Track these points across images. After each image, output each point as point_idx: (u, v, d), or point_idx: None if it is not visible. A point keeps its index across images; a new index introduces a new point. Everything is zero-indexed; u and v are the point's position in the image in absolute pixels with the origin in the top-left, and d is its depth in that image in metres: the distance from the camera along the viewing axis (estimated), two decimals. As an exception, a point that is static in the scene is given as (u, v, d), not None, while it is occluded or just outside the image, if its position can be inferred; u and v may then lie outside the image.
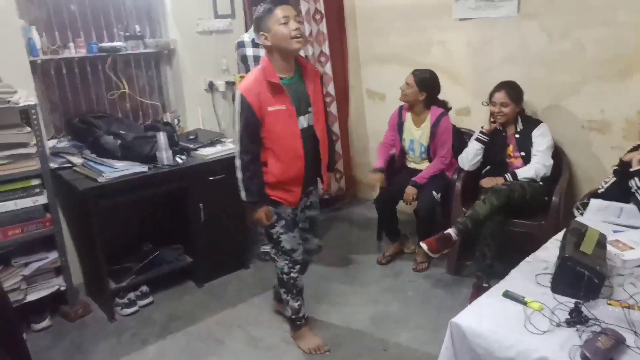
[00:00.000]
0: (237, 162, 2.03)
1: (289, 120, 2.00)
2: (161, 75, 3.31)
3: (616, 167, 2.33)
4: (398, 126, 3.15)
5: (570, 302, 1.33)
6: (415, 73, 3.00)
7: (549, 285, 1.42)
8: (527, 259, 1.60)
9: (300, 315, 2.33)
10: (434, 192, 2.92)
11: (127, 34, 3.04)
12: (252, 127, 1.98)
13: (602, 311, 1.29)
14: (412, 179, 2.96)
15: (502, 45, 3.04)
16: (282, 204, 2.13)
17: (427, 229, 2.87)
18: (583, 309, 1.26)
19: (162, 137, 2.54)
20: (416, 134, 3.09)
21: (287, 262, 2.20)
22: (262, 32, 1.95)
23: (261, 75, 1.97)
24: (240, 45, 2.91)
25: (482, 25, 3.10)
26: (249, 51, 2.89)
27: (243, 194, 2.06)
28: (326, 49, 3.66)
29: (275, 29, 1.91)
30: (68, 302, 2.57)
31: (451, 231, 2.59)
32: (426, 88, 2.99)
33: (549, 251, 1.64)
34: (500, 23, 3.00)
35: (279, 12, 1.90)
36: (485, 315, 1.32)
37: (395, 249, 3.21)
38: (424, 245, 2.53)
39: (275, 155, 2.04)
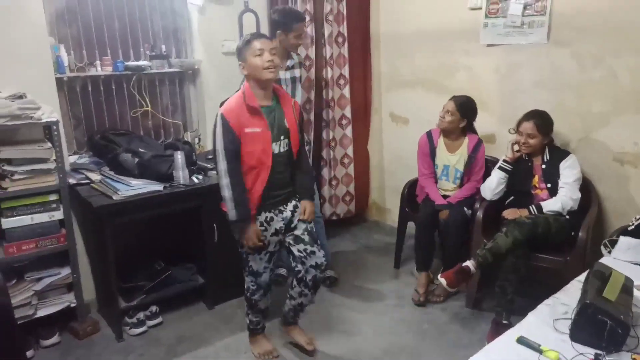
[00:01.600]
0: (225, 181, 2.07)
1: (263, 143, 2.09)
2: (184, 95, 3.34)
3: None
4: (431, 152, 3.09)
5: (590, 352, 1.22)
6: (456, 100, 2.96)
7: (568, 332, 1.32)
8: (546, 301, 1.49)
9: (258, 327, 2.44)
10: (465, 208, 2.89)
11: (153, 53, 3.09)
12: (235, 145, 2.06)
13: (625, 366, 1.18)
14: (447, 201, 2.96)
15: (531, 72, 2.95)
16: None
17: (455, 245, 2.86)
18: (604, 362, 1.15)
19: (179, 156, 2.54)
20: (451, 159, 3.04)
21: (252, 283, 2.28)
22: (240, 62, 2.10)
23: (241, 99, 2.09)
24: None
25: (510, 51, 3.02)
26: (282, 74, 2.84)
27: (233, 213, 2.09)
28: (346, 71, 3.64)
29: (250, 60, 2.05)
30: (78, 319, 2.56)
31: (470, 264, 2.50)
32: (467, 114, 2.97)
33: (570, 294, 1.53)
34: (529, 49, 2.92)
35: (256, 44, 2.05)
36: (497, 362, 1.22)
37: (426, 280, 2.99)
38: (442, 280, 2.45)
39: (245, 174, 2.12)
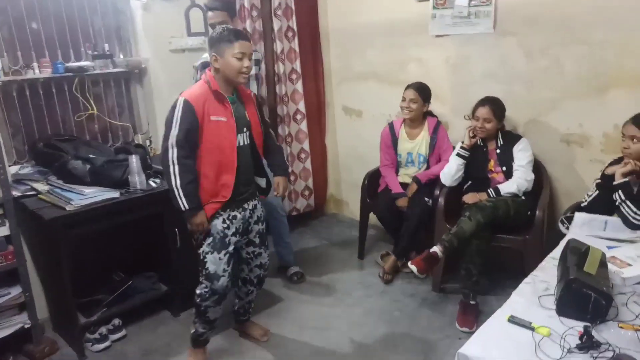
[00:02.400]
0: (175, 168, 1.96)
1: (227, 133, 2.03)
2: (132, 95, 3.18)
3: (598, 181, 2.34)
4: (393, 143, 3.14)
5: (578, 325, 1.27)
6: (414, 86, 3.03)
7: (554, 307, 1.37)
8: (525, 280, 1.54)
9: (201, 339, 2.29)
10: (425, 199, 2.95)
11: (96, 53, 2.91)
12: (192, 133, 1.97)
13: (613, 335, 1.24)
14: (415, 175, 3.03)
15: (481, 61, 3.05)
16: (214, 219, 2.09)
17: (414, 233, 2.94)
18: (594, 333, 1.20)
19: (134, 161, 2.41)
20: (410, 146, 3.11)
21: (206, 288, 2.14)
22: (214, 54, 2.00)
23: (206, 85, 2.02)
24: (205, 65, 2.54)
25: (459, 42, 3.10)
26: None
27: (184, 202, 1.98)
28: (297, 66, 3.62)
29: (228, 59, 1.98)
30: (33, 341, 2.37)
31: (437, 249, 2.55)
32: (427, 98, 3.05)
33: (547, 271, 1.60)
34: (478, 40, 3.01)
35: (238, 46, 1.97)
36: (492, 343, 1.25)
37: (394, 263, 3.08)
38: (412, 267, 2.48)
39: (207, 165, 2.04)
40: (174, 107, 1.98)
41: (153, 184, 2.51)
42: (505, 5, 2.86)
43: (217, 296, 2.14)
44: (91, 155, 2.47)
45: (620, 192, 2.13)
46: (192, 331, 2.27)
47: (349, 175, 4.04)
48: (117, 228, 2.49)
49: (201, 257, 2.13)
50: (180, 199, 1.98)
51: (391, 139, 3.15)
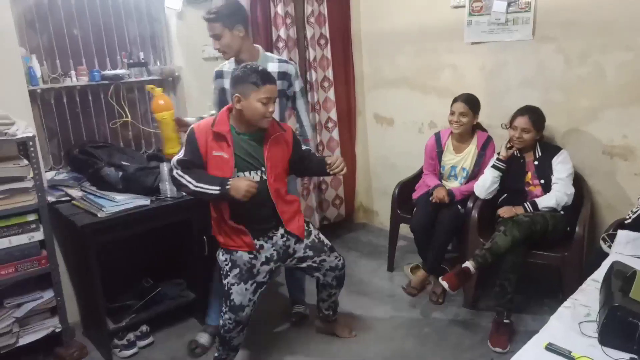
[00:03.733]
0: (184, 178, 1.97)
1: (226, 168, 1.98)
2: (165, 103, 3.21)
3: None
4: (438, 155, 3.03)
5: (623, 357, 1.18)
6: (464, 99, 2.88)
7: (595, 335, 1.28)
8: (565, 303, 1.45)
9: None
10: (459, 207, 2.87)
11: (131, 61, 2.96)
12: (195, 159, 1.99)
13: (661, 369, 1.15)
14: (449, 188, 2.92)
15: (518, 68, 2.95)
16: (237, 251, 2.07)
17: (445, 242, 2.89)
18: (640, 366, 1.12)
19: (165, 168, 2.43)
20: (455, 159, 2.99)
21: (230, 320, 2.08)
22: (237, 95, 1.94)
23: (209, 123, 2.00)
24: (219, 75, 2.52)
25: (495, 49, 3.01)
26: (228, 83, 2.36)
27: (211, 189, 1.93)
28: (330, 74, 3.59)
29: (252, 103, 1.92)
30: (63, 344, 2.41)
31: (469, 264, 2.47)
32: (477, 110, 2.92)
33: (589, 294, 1.50)
34: (515, 46, 2.92)
35: (265, 90, 1.92)
36: (528, 374, 1.17)
37: (423, 278, 3.00)
38: (444, 283, 2.41)
39: (218, 205, 2.07)
40: (186, 135, 2.03)
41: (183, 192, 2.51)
42: (545, 10, 2.76)
43: (242, 326, 2.12)
44: (124, 163, 2.50)
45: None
46: (216, 355, 2.24)
47: (379, 184, 3.98)
48: (147, 234, 2.52)
49: (226, 288, 2.08)
50: (207, 190, 1.94)
51: (436, 151, 3.02)
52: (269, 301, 2.95)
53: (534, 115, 2.66)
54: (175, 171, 2.00)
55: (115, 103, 2.90)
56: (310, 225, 2.28)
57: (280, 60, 2.44)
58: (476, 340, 2.52)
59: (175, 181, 2.01)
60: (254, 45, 2.48)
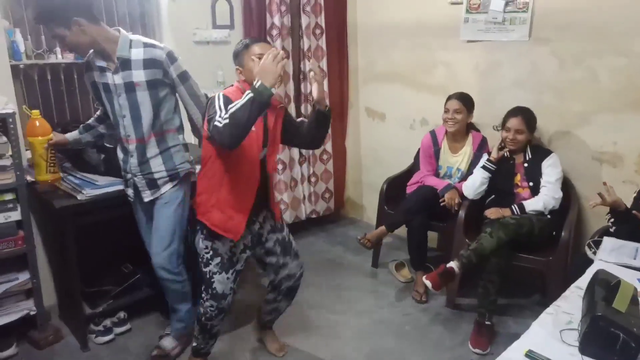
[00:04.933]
0: (229, 114, 1.66)
1: (253, 145, 1.87)
2: (153, 86, 3.14)
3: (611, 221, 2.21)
4: (435, 154, 2.99)
5: (602, 367, 1.17)
6: (457, 96, 2.86)
7: (576, 344, 1.26)
8: (547, 309, 1.44)
9: (204, 351, 2.19)
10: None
11: (119, 40, 2.88)
12: None
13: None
14: (453, 184, 2.86)
15: (512, 69, 2.92)
16: (221, 238, 1.97)
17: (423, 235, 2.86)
18: (621, 378, 1.10)
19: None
20: (453, 160, 2.96)
21: (212, 308, 2.03)
22: (237, 67, 1.92)
23: (240, 93, 1.81)
24: (87, 68, 2.18)
25: (491, 48, 2.98)
26: (97, 76, 2.15)
27: (246, 98, 1.65)
28: (324, 64, 3.54)
29: (248, 64, 1.87)
30: (38, 328, 2.36)
31: (454, 264, 2.45)
32: (471, 108, 2.88)
33: (571, 301, 1.48)
34: (510, 47, 2.89)
35: (256, 48, 1.87)
36: (506, 381, 1.15)
37: (380, 233, 2.93)
38: (427, 282, 2.39)
39: (229, 178, 1.90)
40: (212, 102, 1.79)
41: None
42: (542, 11, 2.73)
43: (224, 314, 2.08)
44: (107, 144, 2.43)
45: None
46: (194, 344, 2.18)
47: (368, 178, 3.95)
48: (128, 218, 2.46)
49: (207, 277, 2.02)
50: (238, 105, 1.66)
51: (433, 149, 2.98)
52: (248, 291, 2.93)
53: (527, 116, 2.64)
54: (225, 128, 1.66)
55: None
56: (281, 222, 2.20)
57: (147, 45, 2.07)
58: (457, 341, 2.51)
59: (215, 130, 1.69)
60: (112, 29, 2.09)
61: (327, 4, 3.48)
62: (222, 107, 1.72)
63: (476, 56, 3.06)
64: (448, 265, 2.45)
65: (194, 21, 3.08)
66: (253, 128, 1.78)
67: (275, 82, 1.67)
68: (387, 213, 3.15)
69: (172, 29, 3.03)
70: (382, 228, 2.91)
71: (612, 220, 2.22)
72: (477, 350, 2.41)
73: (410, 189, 3.06)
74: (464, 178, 2.92)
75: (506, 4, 2.86)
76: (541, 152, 2.68)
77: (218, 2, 3.13)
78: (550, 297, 2.47)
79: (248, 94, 1.65)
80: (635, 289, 1.31)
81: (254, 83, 1.67)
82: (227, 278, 2.01)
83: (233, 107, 1.67)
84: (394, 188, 3.20)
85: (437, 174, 3.02)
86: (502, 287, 2.48)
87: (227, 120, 1.66)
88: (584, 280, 1.57)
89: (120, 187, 2.29)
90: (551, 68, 2.75)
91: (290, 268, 2.17)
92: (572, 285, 1.57)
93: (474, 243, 2.45)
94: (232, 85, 1.95)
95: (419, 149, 3.09)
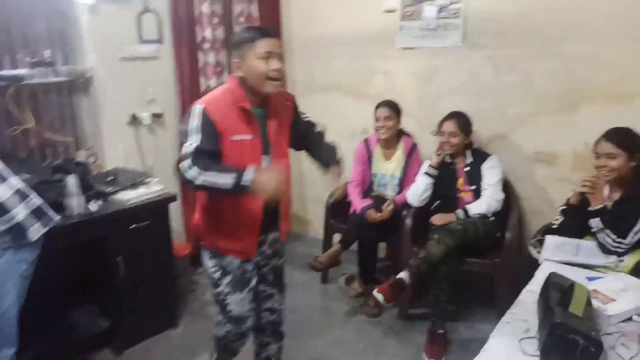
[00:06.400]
0: (205, 177, 1.53)
1: (252, 153, 1.66)
2: (75, 107, 2.91)
3: (564, 207, 2.24)
4: (368, 160, 2.99)
5: (565, 376, 1.13)
6: (386, 104, 2.88)
7: (537, 353, 1.22)
8: (503, 318, 1.40)
9: None
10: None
11: (35, 60, 2.64)
12: (213, 148, 1.59)
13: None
14: (392, 198, 2.86)
15: (449, 75, 2.95)
16: (227, 256, 1.78)
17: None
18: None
19: (72, 182, 2.16)
20: (386, 167, 2.95)
21: (232, 333, 1.85)
22: (236, 59, 1.65)
23: (230, 97, 1.65)
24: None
25: (427, 54, 3.00)
26: None
27: (225, 181, 1.52)
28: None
29: (251, 62, 1.61)
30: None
31: (404, 275, 2.40)
32: (400, 114, 2.92)
33: (526, 307, 1.45)
34: (446, 53, 2.91)
35: (263, 44, 1.60)
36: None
37: (335, 252, 2.86)
38: (378, 296, 2.32)
39: (229, 197, 1.67)
40: (188, 117, 1.62)
41: (93, 207, 2.26)
42: (475, 18, 2.78)
43: (246, 337, 1.90)
44: (24, 176, 2.19)
45: (598, 219, 2.03)
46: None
47: (313, 192, 3.86)
48: (54, 255, 2.22)
49: (220, 298, 1.81)
50: (216, 183, 1.53)
51: (366, 156, 3.00)
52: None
53: (460, 119, 2.66)
54: (192, 172, 1.54)
55: (17, 108, 2.57)
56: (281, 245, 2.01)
57: None
58: (411, 353, 2.46)
59: (181, 176, 1.58)
60: None
61: (261, 15, 3.39)
62: (195, 132, 1.57)
63: (413, 63, 3.07)
64: (398, 276, 2.39)
65: (119, 36, 2.89)
66: (249, 136, 1.63)
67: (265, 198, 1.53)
68: (334, 226, 3.08)
69: (96, 46, 2.82)
70: (337, 247, 2.85)
71: (563, 214, 2.23)
72: (432, 360, 2.36)
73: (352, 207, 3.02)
74: (400, 184, 2.93)
75: (439, 11, 2.88)
76: (481, 155, 2.70)
77: (144, 15, 2.96)
78: (500, 299, 2.50)
79: (232, 181, 1.49)
80: (589, 291, 1.29)
81: (244, 178, 1.49)
82: (243, 298, 1.81)
83: (211, 178, 1.52)
84: (340, 200, 3.13)
85: (372, 182, 3.02)
86: (452, 294, 2.45)
87: (197, 180, 1.53)
88: (535, 284, 1.55)
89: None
90: (487, 73, 2.80)
91: (274, 300, 2.00)
92: (525, 290, 1.55)
93: (422, 251, 2.41)
94: (222, 85, 1.72)
95: None
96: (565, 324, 1.14)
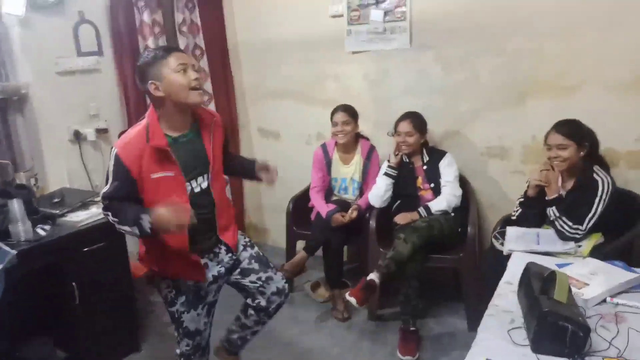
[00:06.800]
0: (109, 217, 1.66)
1: (175, 189, 1.67)
2: (10, 127, 2.69)
3: (522, 199, 2.34)
4: (327, 166, 2.96)
5: (559, 362, 1.15)
6: (343, 108, 2.87)
7: (526, 343, 1.24)
8: (487, 312, 1.41)
9: None
10: None
11: (-40, 77, 2.43)
12: (124, 193, 1.63)
13: (598, 370, 1.14)
14: (356, 203, 2.86)
15: (400, 76, 2.99)
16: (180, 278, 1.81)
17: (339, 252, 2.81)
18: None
19: (15, 206, 1.99)
20: (346, 171, 2.95)
21: (187, 346, 1.89)
22: (152, 81, 1.62)
23: (142, 135, 1.63)
24: None
25: (377, 58, 3.03)
26: None
27: (135, 230, 1.60)
28: (209, 87, 3.36)
29: (170, 77, 1.60)
30: None
31: (374, 276, 2.40)
32: (357, 118, 2.91)
33: (507, 298, 1.48)
34: (395, 55, 2.96)
35: (174, 59, 1.61)
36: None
37: (301, 259, 2.79)
38: (351, 299, 2.30)
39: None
40: (110, 159, 1.65)
41: (42, 232, 2.09)
42: (421, 19, 2.84)
43: (202, 350, 1.93)
44: (-42, 202, 2.00)
45: (553, 208, 2.12)
46: None
47: (269, 200, 3.80)
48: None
49: (176, 316, 1.84)
50: (129, 232, 1.63)
51: (325, 161, 2.98)
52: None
53: (415, 119, 2.70)
54: (109, 215, 1.66)
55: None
56: (248, 238, 2.05)
57: None
58: (386, 352, 2.47)
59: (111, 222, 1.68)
60: None
61: (204, 24, 3.31)
62: (110, 176, 1.64)
63: (364, 67, 3.10)
64: (368, 278, 2.39)
65: (55, 50, 2.71)
66: (170, 173, 1.65)
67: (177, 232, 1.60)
68: (296, 233, 3.04)
69: (29, 60, 2.63)
70: (302, 254, 2.79)
71: (520, 205, 2.31)
72: (406, 358, 2.39)
73: (313, 214, 3.00)
74: (360, 188, 2.94)
75: (385, 15, 2.93)
76: (437, 153, 2.76)
77: (81, 26, 2.79)
78: (466, 292, 2.56)
79: (137, 231, 1.58)
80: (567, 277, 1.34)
81: (143, 226, 1.56)
82: (198, 314, 1.84)
83: (122, 227, 1.62)
84: (299, 207, 3.10)
85: (332, 187, 3.01)
86: (421, 291, 2.48)
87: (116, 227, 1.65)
88: (510, 275, 1.59)
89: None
90: (436, 72, 2.87)
91: (276, 281, 1.99)
92: (502, 282, 1.58)
93: (390, 251, 2.43)
94: (134, 129, 1.69)
95: None
96: (554, 312, 1.17)
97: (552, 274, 1.30)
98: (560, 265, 1.64)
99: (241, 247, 1.96)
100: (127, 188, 1.63)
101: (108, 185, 1.64)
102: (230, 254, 1.89)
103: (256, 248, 2.03)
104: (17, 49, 2.60)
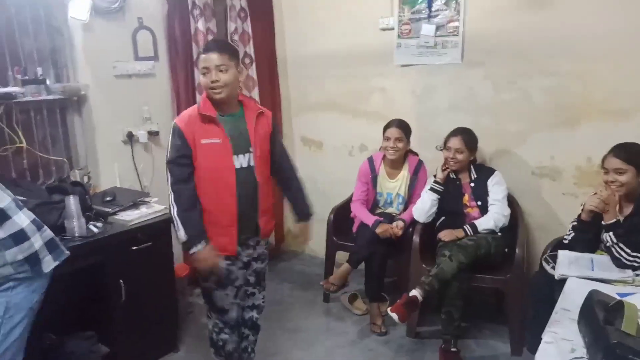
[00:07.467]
0: (171, 197, 1.86)
1: (223, 155, 1.87)
2: (68, 126, 2.80)
3: (575, 223, 2.25)
4: (373, 180, 2.92)
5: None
6: (397, 124, 2.82)
7: (589, 376, 1.19)
8: (545, 339, 1.36)
9: None
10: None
11: (26, 77, 2.53)
12: (184, 156, 1.85)
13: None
14: (399, 217, 2.83)
15: (447, 92, 2.96)
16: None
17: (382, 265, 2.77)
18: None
19: (72, 202, 2.06)
20: (391, 186, 2.91)
21: (216, 322, 2.06)
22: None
23: (195, 108, 1.91)
24: None
25: (425, 72, 3.01)
26: None
27: (182, 232, 1.84)
28: (256, 95, 3.40)
29: (200, 76, 1.89)
30: None
31: (416, 292, 2.36)
32: (410, 134, 2.87)
33: (565, 326, 1.42)
34: (444, 70, 2.93)
35: (201, 62, 1.86)
36: None
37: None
38: (393, 315, 2.26)
39: (205, 193, 1.89)
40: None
41: (94, 229, 2.15)
42: (473, 35, 2.81)
43: (230, 327, 2.06)
44: (19, 197, 2.07)
45: (610, 233, 2.04)
46: None
47: (309, 209, 3.79)
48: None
49: (207, 292, 2.02)
50: (178, 230, 1.85)
51: (371, 176, 2.93)
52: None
53: (467, 135, 2.66)
54: (168, 178, 1.88)
55: (6, 126, 2.45)
56: (267, 250, 2.21)
57: None
58: (425, 373, 2.41)
59: (172, 195, 1.88)
60: None
61: (255, 33, 3.36)
62: (170, 149, 1.87)
63: (412, 81, 3.08)
64: (411, 294, 2.35)
65: (113, 54, 2.81)
66: (217, 139, 1.85)
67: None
68: (336, 243, 3.02)
69: (89, 64, 2.73)
70: (346, 266, 2.78)
71: (574, 229, 2.23)
72: (447, 380, 2.32)
73: (355, 225, 2.97)
74: (407, 203, 2.88)
75: (437, 29, 2.90)
76: (485, 170, 2.70)
77: (139, 32, 2.89)
78: (511, 315, 2.48)
79: (184, 239, 1.85)
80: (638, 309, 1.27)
81: (193, 245, 1.83)
82: (227, 294, 1.99)
83: (177, 219, 1.84)
84: (340, 217, 3.08)
85: (377, 202, 2.96)
86: (464, 311, 2.42)
87: (171, 211, 1.88)
88: (568, 301, 1.53)
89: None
90: (485, 90, 2.82)
91: (256, 298, 2.17)
92: (559, 308, 1.52)
93: (434, 268, 2.38)
94: (189, 108, 1.95)
95: None
96: (624, 345, 1.11)
97: (619, 303, 1.24)
98: (621, 295, 1.56)
99: (256, 255, 2.09)
100: (184, 152, 1.83)
101: (169, 151, 1.86)
102: (253, 247, 2.05)
103: (265, 263, 2.17)
104: (79, 52, 2.71)
